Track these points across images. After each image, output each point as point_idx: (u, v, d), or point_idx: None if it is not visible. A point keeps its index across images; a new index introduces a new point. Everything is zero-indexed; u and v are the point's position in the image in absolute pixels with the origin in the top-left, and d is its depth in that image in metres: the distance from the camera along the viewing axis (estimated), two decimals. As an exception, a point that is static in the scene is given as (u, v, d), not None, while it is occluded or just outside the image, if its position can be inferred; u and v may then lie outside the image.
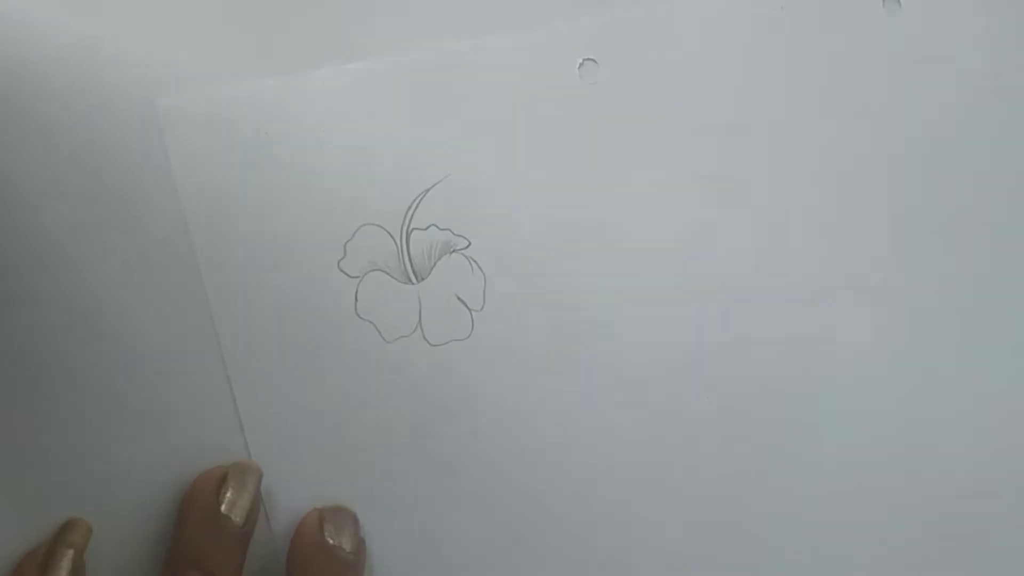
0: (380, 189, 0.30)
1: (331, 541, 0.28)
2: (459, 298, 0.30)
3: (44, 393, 0.28)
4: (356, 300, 0.30)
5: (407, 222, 0.30)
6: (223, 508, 0.27)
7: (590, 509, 0.31)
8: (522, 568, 0.30)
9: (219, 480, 0.28)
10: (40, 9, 0.28)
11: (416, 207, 0.30)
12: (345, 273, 0.30)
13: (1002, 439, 0.32)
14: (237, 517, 0.27)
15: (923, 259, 0.32)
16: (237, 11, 0.30)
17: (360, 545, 0.29)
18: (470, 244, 0.30)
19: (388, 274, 0.30)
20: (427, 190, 0.30)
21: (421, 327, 0.30)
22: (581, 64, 0.31)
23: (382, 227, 0.30)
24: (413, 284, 0.30)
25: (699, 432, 0.31)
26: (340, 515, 0.29)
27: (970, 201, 0.33)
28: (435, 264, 0.30)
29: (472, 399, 0.30)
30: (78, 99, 0.28)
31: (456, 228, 0.30)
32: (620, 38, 0.31)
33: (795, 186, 0.32)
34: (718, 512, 0.31)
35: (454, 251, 0.30)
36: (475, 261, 0.30)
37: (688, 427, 0.31)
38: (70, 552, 0.26)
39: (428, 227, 0.30)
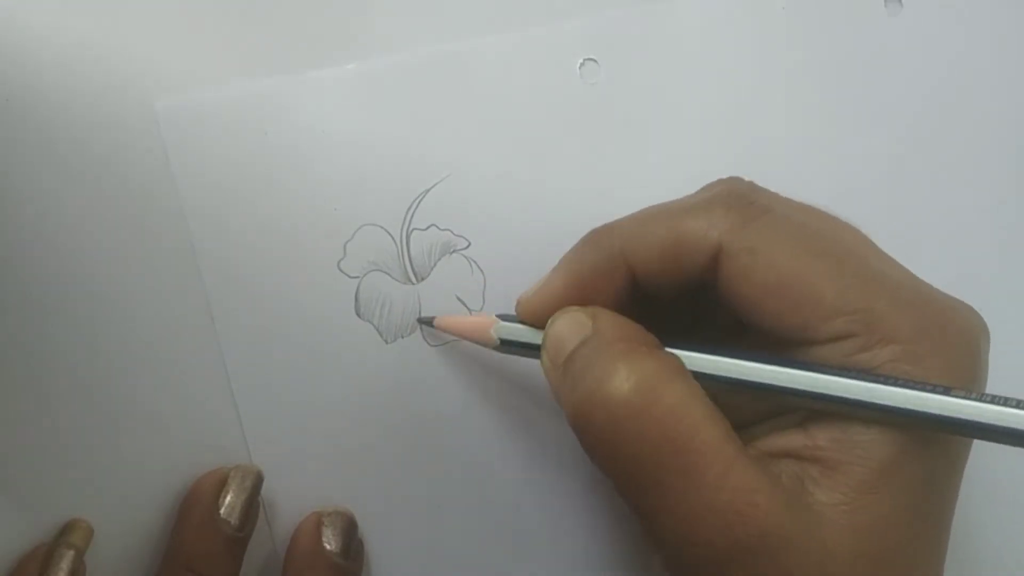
0: (380, 189, 0.30)
1: (328, 547, 0.28)
2: (459, 298, 0.30)
3: (45, 394, 0.28)
4: (356, 301, 0.30)
5: (407, 222, 0.30)
6: (222, 512, 0.27)
7: (591, 509, 0.31)
8: (522, 568, 0.30)
9: (219, 483, 0.28)
10: (40, 10, 0.28)
11: (416, 207, 0.30)
12: (345, 273, 0.30)
13: None
14: (235, 521, 0.27)
15: (923, 259, 0.32)
16: (237, 11, 0.30)
17: (358, 549, 0.29)
18: (470, 244, 0.30)
19: (388, 274, 0.30)
20: (427, 190, 0.30)
21: (420, 328, 0.30)
22: (581, 64, 0.31)
23: (382, 227, 0.30)
24: (413, 284, 0.30)
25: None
26: (338, 519, 0.29)
27: (971, 200, 0.33)
28: (435, 264, 0.30)
29: (471, 400, 0.30)
30: (78, 100, 0.28)
31: (456, 228, 0.30)
32: (620, 38, 0.31)
33: (795, 186, 0.32)
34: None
35: (454, 251, 0.30)
36: (475, 261, 0.30)
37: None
38: (71, 553, 0.26)
39: (428, 227, 0.30)
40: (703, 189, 0.26)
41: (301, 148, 0.30)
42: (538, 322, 0.26)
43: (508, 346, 0.27)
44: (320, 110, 0.30)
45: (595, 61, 0.31)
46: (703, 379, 0.23)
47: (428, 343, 0.30)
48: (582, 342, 0.24)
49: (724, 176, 0.27)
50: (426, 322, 0.30)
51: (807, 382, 0.22)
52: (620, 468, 0.23)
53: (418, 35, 0.31)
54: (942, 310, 0.23)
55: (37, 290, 0.28)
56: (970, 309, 0.24)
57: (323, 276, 0.29)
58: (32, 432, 0.27)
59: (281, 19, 0.30)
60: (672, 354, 0.24)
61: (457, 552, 0.30)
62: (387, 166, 0.30)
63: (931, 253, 0.32)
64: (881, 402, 0.21)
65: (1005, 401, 0.21)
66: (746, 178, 0.27)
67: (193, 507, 0.27)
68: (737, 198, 0.24)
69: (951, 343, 0.22)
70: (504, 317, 0.27)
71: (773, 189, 0.26)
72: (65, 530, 0.27)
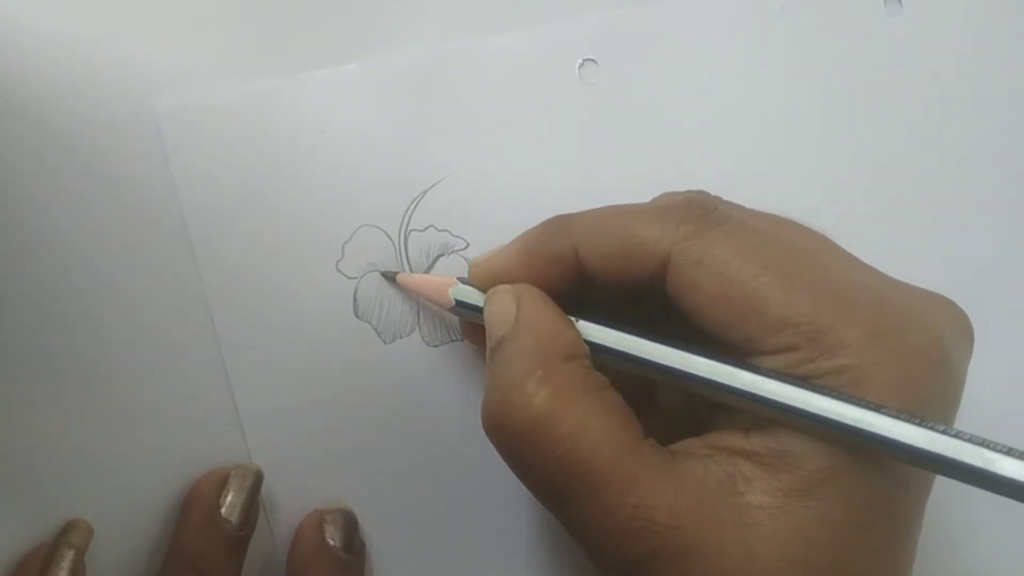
0: (378, 190, 0.30)
1: (331, 543, 0.28)
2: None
3: (45, 394, 0.28)
4: (355, 301, 0.30)
5: (405, 223, 0.30)
6: (223, 511, 0.27)
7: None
8: (522, 568, 0.31)
9: (220, 482, 0.28)
10: (40, 10, 0.28)
11: (414, 208, 0.30)
12: (343, 274, 0.30)
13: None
14: (236, 519, 0.27)
15: (922, 259, 0.32)
16: (237, 11, 0.30)
17: (360, 546, 0.29)
18: (468, 245, 0.30)
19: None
20: (426, 191, 0.30)
21: (419, 328, 0.30)
22: (581, 64, 0.31)
23: (380, 228, 0.30)
24: (412, 285, 0.30)
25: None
26: (341, 516, 0.29)
27: (970, 200, 0.33)
28: (433, 265, 0.30)
29: (470, 400, 0.30)
30: (78, 99, 0.28)
31: (454, 229, 0.30)
32: (620, 38, 0.31)
33: (794, 186, 0.32)
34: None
35: (452, 252, 0.30)
36: (473, 262, 0.30)
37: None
38: (71, 553, 0.26)
39: (426, 228, 0.30)
40: (664, 196, 0.26)
41: (300, 149, 0.30)
42: (487, 288, 0.26)
43: (462, 308, 0.27)
44: (320, 110, 0.30)
45: (595, 61, 0.31)
46: (624, 361, 0.24)
47: (426, 343, 0.30)
48: (502, 338, 0.24)
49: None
50: (389, 277, 0.30)
51: (723, 375, 0.22)
52: (530, 480, 0.23)
53: (418, 35, 0.31)
54: (901, 313, 0.22)
55: (36, 290, 0.28)
56: (939, 305, 0.23)
57: (322, 277, 0.30)
58: (32, 432, 0.28)
59: (281, 19, 0.30)
60: (585, 366, 0.23)
61: (457, 551, 0.30)
62: (386, 166, 0.30)
63: (929, 253, 0.32)
64: (804, 409, 0.21)
65: (934, 427, 0.20)
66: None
67: (194, 507, 0.28)
68: (696, 208, 0.24)
69: (907, 350, 0.21)
70: (466, 281, 0.27)
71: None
72: (65, 530, 0.27)
